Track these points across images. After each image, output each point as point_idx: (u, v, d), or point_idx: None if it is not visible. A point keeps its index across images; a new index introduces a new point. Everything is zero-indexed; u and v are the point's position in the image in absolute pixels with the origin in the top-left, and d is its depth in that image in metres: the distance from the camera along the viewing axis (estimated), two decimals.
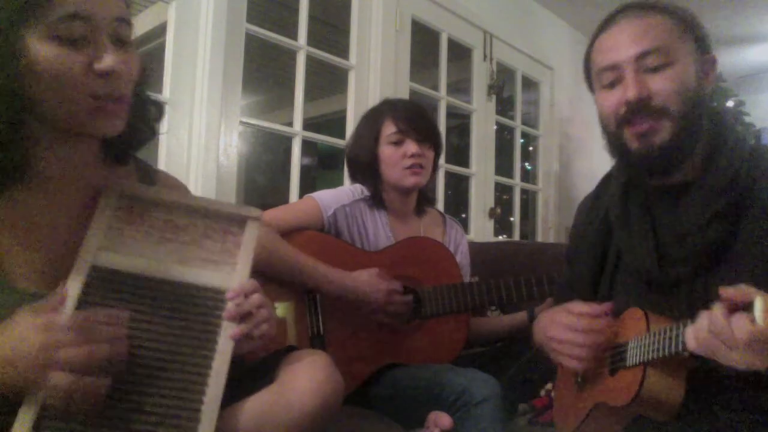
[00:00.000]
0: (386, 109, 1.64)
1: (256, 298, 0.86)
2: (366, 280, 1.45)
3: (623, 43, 0.97)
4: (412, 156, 1.57)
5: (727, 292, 0.73)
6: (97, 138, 0.84)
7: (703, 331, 0.75)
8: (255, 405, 0.84)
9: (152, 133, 0.94)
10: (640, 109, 0.95)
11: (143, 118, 0.91)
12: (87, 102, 0.76)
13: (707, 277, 0.94)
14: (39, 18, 0.71)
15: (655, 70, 0.95)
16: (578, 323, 1.00)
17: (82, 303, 0.77)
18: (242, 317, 0.84)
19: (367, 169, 1.62)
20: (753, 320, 0.69)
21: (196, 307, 0.83)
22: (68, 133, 0.80)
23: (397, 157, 1.58)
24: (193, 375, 0.79)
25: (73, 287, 0.77)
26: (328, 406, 0.85)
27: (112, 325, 0.74)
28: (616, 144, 1.02)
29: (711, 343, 0.74)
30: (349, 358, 1.42)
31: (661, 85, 0.94)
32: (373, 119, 1.64)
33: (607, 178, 1.18)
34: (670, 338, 0.83)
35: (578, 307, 1.02)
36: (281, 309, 1.43)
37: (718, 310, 0.74)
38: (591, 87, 1.08)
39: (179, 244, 0.87)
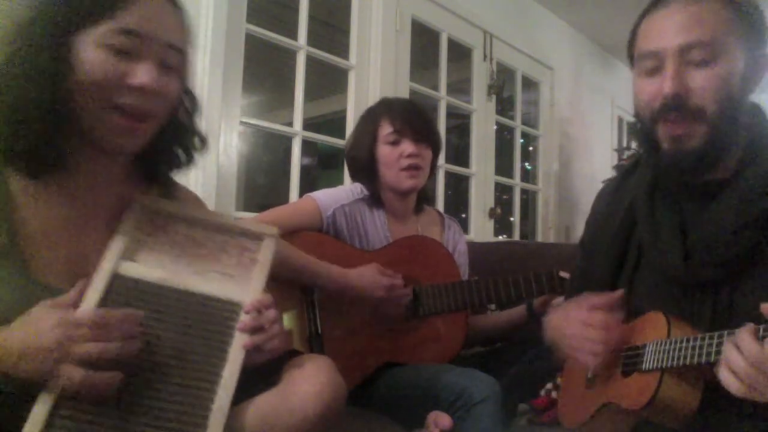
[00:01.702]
0: (383, 108, 1.64)
1: (271, 313, 0.88)
2: (368, 276, 1.45)
3: (669, 31, 0.90)
4: (409, 156, 1.56)
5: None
6: (115, 153, 0.88)
7: (742, 368, 0.71)
8: (257, 408, 0.85)
9: (189, 161, 0.98)
10: (675, 106, 0.89)
11: (180, 143, 0.96)
12: (111, 112, 0.80)
13: (735, 283, 0.90)
14: (99, 25, 0.77)
15: (698, 65, 0.88)
16: (593, 318, 0.98)
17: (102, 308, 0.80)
18: (255, 330, 0.86)
19: (365, 169, 1.62)
20: None
21: (210, 317, 0.86)
22: (97, 146, 0.84)
23: (394, 157, 1.57)
24: (203, 382, 0.81)
25: (94, 292, 0.80)
26: (330, 411, 0.86)
27: (127, 324, 0.76)
28: (647, 136, 0.96)
29: (755, 379, 0.70)
30: (347, 357, 1.42)
31: (701, 82, 0.88)
32: (370, 119, 1.64)
33: (632, 166, 1.12)
34: (694, 348, 0.81)
35: (591, 300, 1.00)
36: (287, 319, 1.43)
37: (746, 336, 0.71)
38: (632, 63, 1.01)
39: (198, 258, 0.91)
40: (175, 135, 0.93)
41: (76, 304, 0.76)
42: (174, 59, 0.83)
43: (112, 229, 0.88)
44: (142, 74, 0.79)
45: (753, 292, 0.87)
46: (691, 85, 0.89)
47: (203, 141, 0.99)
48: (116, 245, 0.86)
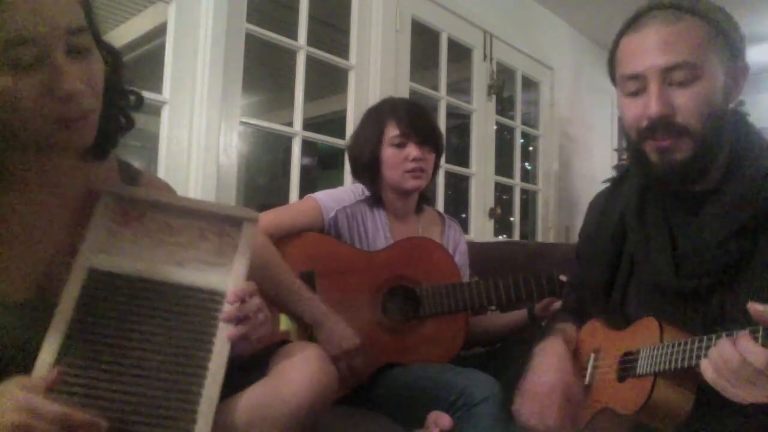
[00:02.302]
0: (389, 109, 1.62)
1: (255, 301, 0.86)
2: (342, 327, 1.39)
3: (650, 53, 0.91)
4: (414, 160, 1.56)
5: (755, 307, 0.71)
6: (71, 149, 0.82)
7: (721, 361, 0.74)
8: (248, 399, 0.85)
9: (130, 124, 0.90)
10: (662, 125, 0.91)
11: (119, 112, 0.88)
12: (51, 124, 0.72)
13: (724, 290, 0.91)
14: None
15: (681, 84, 0.90)
16: (555, 389, 1.01)
17: (81, 306, 0.78)
18: (240, 320, 0.84)
19: (368, 169, 1.61)
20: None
21: (193, 308, 0.84)
22: (42, 149, 0.79)
23: (398, 159, 1.57)
24: (189, 376, 0.80)
25: (71, 290, 0.78)
26: (321, 399, 0.86)
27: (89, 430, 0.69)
28: (636, 151, 0.98)
29: (730, 374, 0.73)
30: (339, 368, 1.41)
31: (685, 102, 0.90)
32: (376, 119, 1.62)
33: (622, 176, 1.14)
34: (684, 351, 0.82)
35: (566, 370, 1.04)
36: (285, 321, 1.42)
37: (744, 338, 0.72)
38: (613, 81, 1.03)
39: (175, 246, 0.87)
40: (109, 107, 0.83)
41: (47, 389, 0.69)
42: (82, 40, 0.73)
43: (80, 224, 0.83)
44: (62, 83, 0.69)
45: (743, 300, 0.87)
46: (676, 104, 0.90)
47: (138, 98, 0.90)
48: (89, 239, 0.82)
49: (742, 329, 0.75)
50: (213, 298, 0.85)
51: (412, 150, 1.56)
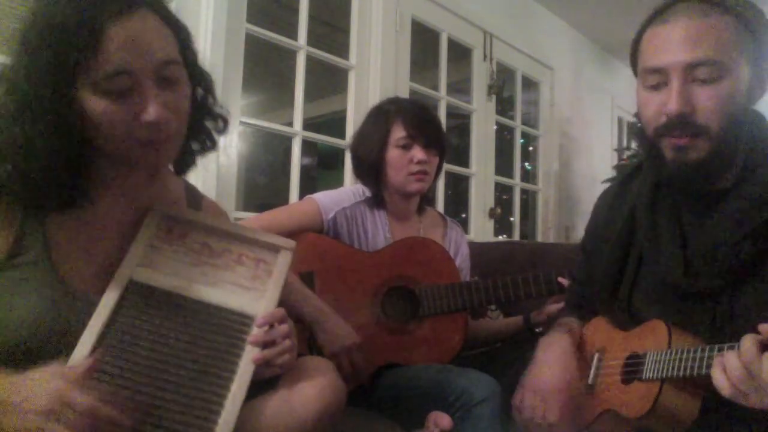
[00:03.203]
0: (396, 110, 1.61)
1: (284, 328, 0.88)
2: (342, 325, 1.41)
3: (675, 47, 0.88)
4: (419, 162, 1.55)
5: (766, 327, 0.71)
6: (151, 171, 0.90)
7: (735, 374, 0.73)
8: (258, 410, 0.85)
9: (213, 145, 0.98)
10: (680, 123, 0.89)
11: (205, 134, 0.96)
12: (137, 146, 0.80)
13: (734, 292, 0.90)
14: (88, 75, 0.74)
15: (704, 82, 0.87)
16: (556, 392, 1.01)
17: (117, 314, 0.81)
18: (266, 344, 0.85)
19: (371, 169, 1.60)
20: None
21: (222, 328, 0.86)
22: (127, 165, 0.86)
23: (404, 161, 1.56)
24: (211, 395, 0.81)
25: (109, 298, 0.81)
26: (330, 412, 0.87)
27: (114, 427, 0.71)
28: (651, 146, 0.96)
29: (744, 386, 0.72)
30: (339, 366, 1.41)
31: (707, 101, 0.87)
32: (382, 119, 1.61)
33: (632, 173, 1.12)
34: (694, 359, 0.81)
35: (569, 366, 1.04)
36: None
37: (749, 345, 0.72)
38: (635, 71, 1.00)
39: (213, 267, 0.91)
40: (192, 126, 0.91)
41: (84, 377, 0.72)
42: (172, 72, 0.81)
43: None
44: (149, 111, 0.78)
45: (752, 302, 0.87)
46: (696, 103, 0.88)
47: (225, 121, 0.98)
48: (133, 251, 0.86)
49: (752, 332, 0.74)
50: (242, 320, 0.87)
51: (418, 152, 1.55)
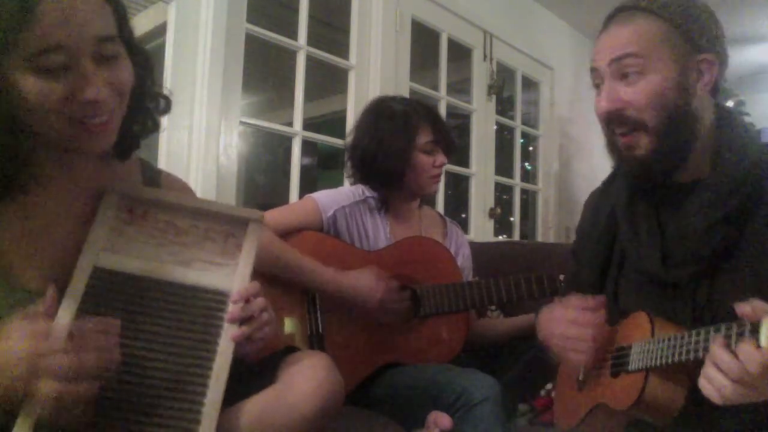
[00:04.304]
0: (418, 113, 1.61)
1: (259, 301, 0.86)
2: (364, 280, 1.45)
3: (603, 48, 0.96)
4: (440, 165, 1.60)
5: (742, 309, 0.71)
6: (91, 154, 0.84)
7: (722, 380, 0.73)
8: (256, 406, 0.85)
9: (155, 126, 0.93)
10: (615, 119, 0.95)
11: (145, 115, 0.91)
12: (71, 126, 0.75)
13: (711, 279, 0.92)
14: (18, 51, 0.69)
15: (628, 77, 0.93)
16: (581, 318, 0.99)
17: (85, 304, 0.78)
18: (244, 320, 0.84)
19: (391, 172, 1.57)
20: (758, 345, 0.67)
21: (197, 308, 0.84)
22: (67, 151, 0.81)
23: (428, 165, 1.59)
24: (193, 376, 0.80)
25: (75, 288, 0.78)
26: (328, 407, 0.86)
27: (103, 333, 0.72)
28: (611, 145, 1.01)
29: (737, 387, 0.72)
30: (348, 357, 1.42)
31: (633, 96, 0.92)
32: (406, 124, 1.58)
33: (614, 174, 1.16)
34: (675, 347, 0.83)
35: (576, 301, 1.02)
36: (289, 324, 1.43)
37: (717, 348, 0.72)
38: None
39: (180, 246, 0.87)
40: (135, 109, 0.86)
41: (49, 313, 0.72)
42: (110, 49, 0.75)
43: (91, 221, 0.85)
44: (87, 89, 0.72)
45: (729, 288, 0.89)
46: (625, 99, 0.93)
47: (167, 102, 0.94)
48: (94, 237, 0.83)
49: (728, 320, 0.75)
50: (217, 298, 0.85)
51: (440, 157, 1.60)
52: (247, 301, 0.85)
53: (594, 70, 0.98)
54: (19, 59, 0.69)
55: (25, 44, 0.69)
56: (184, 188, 1.03)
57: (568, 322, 1.00)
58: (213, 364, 0.81)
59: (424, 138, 1.58)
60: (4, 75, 0.70)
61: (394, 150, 1.57)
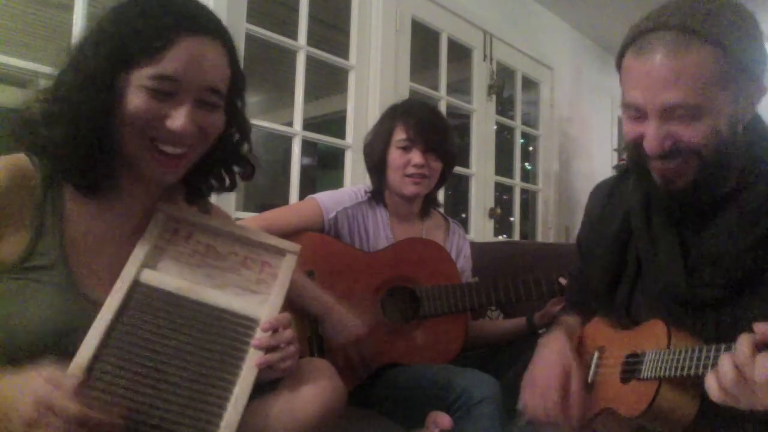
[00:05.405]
0: (401, 112, 1.62)
1: (288, 333, 0.88)
2: (350, 316, 1.40)
3: (652, 87, 0.84)
4: (415, 166, 1.56)
5: (760, 327, 0.71)
6: (153, 183, 0.91)
7: (728, 378, 0.72)
8: (258, 411, 0.86)
9: (232, 186, 1.00)
10: (668, 154, 0.87)
11: (224, 168, 0.98)
12: (150, 149, 0.83)
13: (738, 301, 0.89)
14: (143, 71, 0.80)
15: (683, 121, 0.84)
16: (560, 384, 1.00)
17: (121, 315, 0.81)
18: (270, 348, 0.86)
19: (375, 167, 1.63)
20: None
21: (225, 331, 0.86)
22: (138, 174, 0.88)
23: (401, 163, 1.58)
24: (213, 397, 0.81)
25: (114, 299, 0.81)
26: (330, 413, 0.88)
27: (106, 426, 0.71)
28: (638, 164, 0.94)
29: (735, 390, 0.72)
30: (347, 357, 1.42)
31: (687, 136, 0.85)
32: (388, 120, 1.63)
33: (625, 171, 1.10)
34: (692, 359, 0.81)
35: (566, 364, 1.03)
36: None
37: (743, 346, 0.71)
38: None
39: (218, 270, 0.91)
40: (217, 162, 0.94)
41: (70, 388, 0.70)
42: (213, 99, 0.85)
43: None
44: (177, 119, 0.81)
45: (757, 313, 0.86)
46: (678, 137, 0.85)
47: (252, 166, 1.00)
48: (138, 252, 0.86)
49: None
50: (246, 323, 0.87)
51: (415, 156, 1.56)
52: (275, 330, 0.87)
53: (635, 106, 0.87)
54: (144, 77, 0.79)
55: (152, 67, 0.79)
56: (227, 217, 1.10)
57: (546, 382, 1.02)
58: (234, 387, 0.82)
59: (398, 135, 1.59)
60: (129, 84, 0.80)
61: (375, 144, 1.63)
